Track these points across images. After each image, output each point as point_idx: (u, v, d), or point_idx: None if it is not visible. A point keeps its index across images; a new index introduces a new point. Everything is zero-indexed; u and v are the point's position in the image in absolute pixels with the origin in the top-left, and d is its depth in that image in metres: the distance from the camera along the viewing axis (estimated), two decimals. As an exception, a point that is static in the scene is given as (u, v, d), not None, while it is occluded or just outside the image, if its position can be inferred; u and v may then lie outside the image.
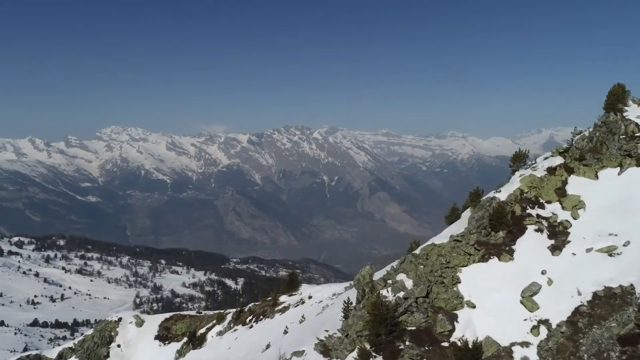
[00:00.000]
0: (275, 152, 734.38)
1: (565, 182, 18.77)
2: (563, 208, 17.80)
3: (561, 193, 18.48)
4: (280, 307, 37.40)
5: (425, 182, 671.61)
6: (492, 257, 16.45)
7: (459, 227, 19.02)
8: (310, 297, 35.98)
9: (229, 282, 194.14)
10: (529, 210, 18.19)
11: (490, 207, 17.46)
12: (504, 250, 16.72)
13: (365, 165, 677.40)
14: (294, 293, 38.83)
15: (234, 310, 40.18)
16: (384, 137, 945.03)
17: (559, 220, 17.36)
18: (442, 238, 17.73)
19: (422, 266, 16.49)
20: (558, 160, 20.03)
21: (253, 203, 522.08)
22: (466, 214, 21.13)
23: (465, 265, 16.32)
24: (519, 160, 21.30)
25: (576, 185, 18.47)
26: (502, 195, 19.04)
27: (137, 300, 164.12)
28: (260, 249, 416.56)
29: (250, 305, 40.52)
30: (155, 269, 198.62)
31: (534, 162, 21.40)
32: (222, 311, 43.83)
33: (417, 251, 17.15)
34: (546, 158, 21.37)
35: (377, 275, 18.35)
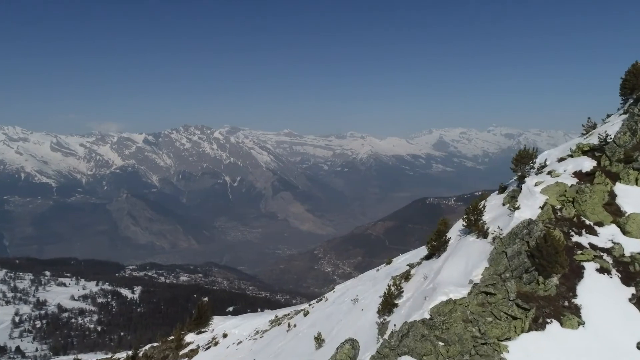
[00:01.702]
0: (174, 153, 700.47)
1: (612, 194, 13.18)
2: (626, 233, 11.84)
3: (614, 210, 12.38)
4: (186, 349, 28.91)
5: (327, 181, 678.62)
6: (549, 320, 10.08)
7: (461, 263, 12.74)
8: (225, 336, 27.95)
9: (125, 291, 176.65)
10: (576, 238, 12.21)
11: (531, 237, 11.34)
12: (565, 308, 10.22)
13: (268, 165, 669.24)
14: (203, 330, 30.41)
15: (124, 357, 31.06)
16: (286, 137, 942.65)
17: (627, 254, 11.59)
18: (453, 287, 11.19)
19: (441, 342, 9.74)
20: (588, 163, 14.46)
21: (150, 206, 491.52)
22: (459, 239, 14.94)
23: (510, 338, 9.81)
24: (526, 161, 15.54)
25: (630, 197, 12.82)
26: (524, 212, 13.04)
27: (17, 319, 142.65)
28: (160, 255, 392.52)
29: (147, 347, 31.60)
30: (38, 281, 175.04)
31: (544, 163, 15.81)
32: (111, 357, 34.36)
33: (426, 314, 10.34)
34: (563, 159, 15.74)
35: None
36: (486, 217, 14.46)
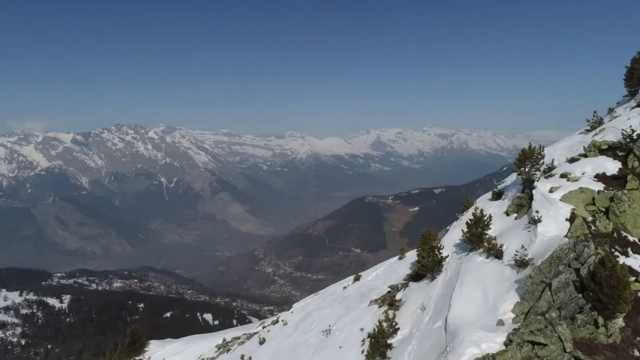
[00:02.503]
0: (105, 153, 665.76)
1: (653, 202, 10.92)
2: (684, 254, 9.75)
3: (662, 224, 10.50)
4: (116, 384, 24.56)
5: (266, 181, 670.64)
6: (622, 381, 7.50)
7: (476, 293, 9.88)
8: (164, 366, 23.97)
9: (52, 301, 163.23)
10: (622, 259, 9.84)
11: (582, 263, 8.63)
12: (637, 361, 7.92)
13: (206, 166, 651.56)
14: (138, 358, 26.09)
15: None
16: (224, 136, 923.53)
17: (691, 279, 9.27)
18: (480, 332, 8.28)
19: None
20: (611, 164, 12.08)
21: (80, 209, 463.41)
22: (459, 258, 12.20)
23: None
24: (532, 161, 13.03)
25: (674, 207, 10.73)
26: (549, 226, 10.40)
27: None
28: (91, 260, 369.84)
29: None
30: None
31: (551, 164, 13.36)
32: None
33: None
34: (575, 159, 13.43)
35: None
36: (490, 230, 11.81)
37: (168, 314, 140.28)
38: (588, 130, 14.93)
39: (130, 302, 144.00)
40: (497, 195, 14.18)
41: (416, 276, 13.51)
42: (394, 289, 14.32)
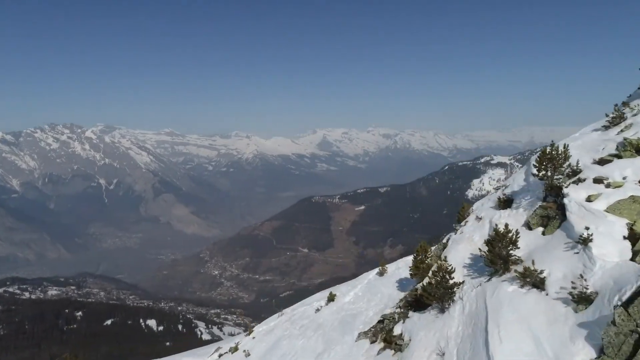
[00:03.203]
0: (38, 154, 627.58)
1: None
2: None
3: None
4: None
5: (212, 182, 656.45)
6: None
7: (522, 338, 7.43)
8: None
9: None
10: None
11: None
12: None
13: (148, 167, 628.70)
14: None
15: None
16: (167, 136, 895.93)
17: None
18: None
19: None
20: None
21: (11, 213, 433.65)
22: (478, 283, 9.72)
23: None
24: (557, 164, 10.75)
25: None
26: (606, 248, 8.14)
27: None
28: (23, 267, 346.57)
29: None
30: None
31: (577, 167, 11.13)
32: None
33: None
34: (605, 161, 11.08)
35: None
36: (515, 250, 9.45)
37: (109, 322, 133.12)
38: (607, 127, 12.96)
39: (67, 310, 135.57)
40: (506, 203, 11.92)
41: (416, 303, 10.97)
42: (389, 319, 11.68)
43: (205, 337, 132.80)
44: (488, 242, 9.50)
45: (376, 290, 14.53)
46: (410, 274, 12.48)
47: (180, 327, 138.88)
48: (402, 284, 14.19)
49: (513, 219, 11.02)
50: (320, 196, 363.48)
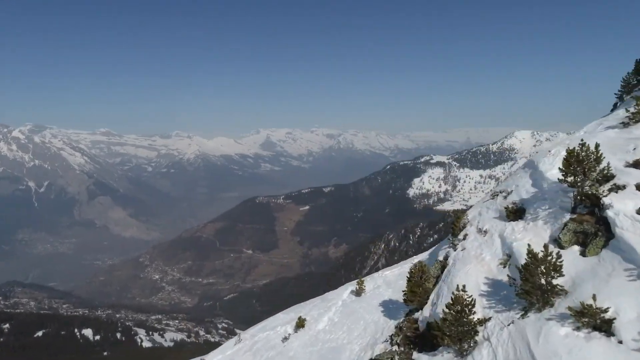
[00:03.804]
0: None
1: None
2: None
3: None
4: None
5: (151, 183, 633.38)
6: None
7: None
8: None
9: None
10: None
11: None
12: None
13: (82, 168, 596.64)
14: None
15: None
16: (103, 136, 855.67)
17: None
18: None
19: None
20: None
21: None
22: (510, 319, 7.65)
23: None
24: (588, 167, 8.78)
25: None
26: None
27: None
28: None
29: None
30: None
31: (608, 171, 9.24)
32: None
33: None
34: (641, 163, 9.42)
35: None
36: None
37: (40, 333, 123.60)
38: (626, 124, 11.33)
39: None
40: (517, 214, 9.97)
41: (421, 341, 8.76)
42: (387, 361, 9.38)
43: (146, 344, 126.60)
44: (523, 270, 7.41)
45: (357, 316, 12.26)
46: (404, 299, 10.33)
47: (118, 335, 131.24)
48: (388, 308, 11.99)
49: (532, 233, 9.07)
50: (264, 196, 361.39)
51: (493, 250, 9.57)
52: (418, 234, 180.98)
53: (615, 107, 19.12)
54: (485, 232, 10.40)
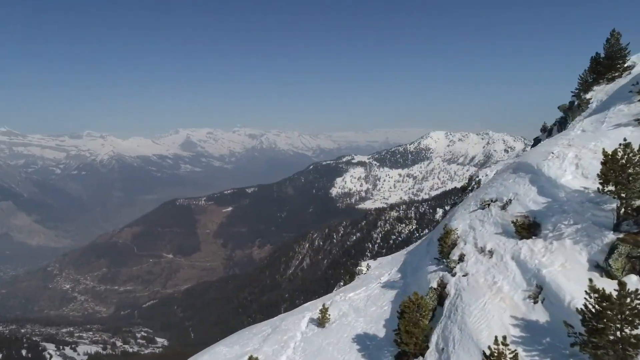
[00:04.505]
0: None
1: None
2: None
3: None
4: None
5: (60, 187, 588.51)
6: None
7: None
8: None
9: None
10: None
11: None
12: None
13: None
14: None
15: None
16: (4, 136, 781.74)
17: None
18: None
19: None
20: None
21: None
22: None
23: None
24: (634, 172, 7.00)
25: None
26: None
27: None
28: None
29: None
30: None
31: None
32: None
33: None
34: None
35: None
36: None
37: None
38: (641, 120, 9.82)
39: None
40: (529, 230, 8.02)
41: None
42: None
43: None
44: (593, 316, 5.35)
45: (326, 357, 9.81)
46: (396, 341, 8.06)
47: (24, 352, 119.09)
48: (365, 346, 9.55)
49: (562, 257, 7.15)
50: (185, 198, 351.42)
51: (511, 278, 7.56)
52: (341, 232, 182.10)
53: (573, 105, 18.21)
54: (491, 252, 8.39)
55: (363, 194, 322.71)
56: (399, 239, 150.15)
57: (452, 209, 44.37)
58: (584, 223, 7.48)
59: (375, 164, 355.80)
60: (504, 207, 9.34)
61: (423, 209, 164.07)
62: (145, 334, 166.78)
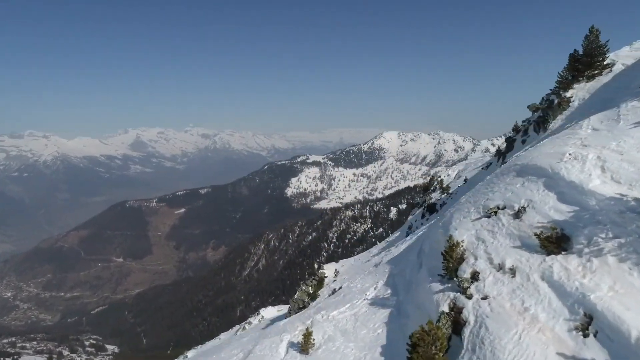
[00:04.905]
0: None
1: None
2: None
3: None
4: None
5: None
6: None
7: None
8: None
9: None
10: None
11: None
12: None
13: None
14: None
15: None
16: None
17: None
18: None
19: None
20: None
21: None
22: None
23: None
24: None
25: None
26: None
27: None
28: None
29: None
30: None
31: None
32: None
33: None
34: None
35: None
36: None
37: None
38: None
39: None
40: (557, 243, 6.84)
41: None
42: None
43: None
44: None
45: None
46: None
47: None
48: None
49: (608, 278, 5.99)
50: (135, 200, 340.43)
51: (545, 304, 6.33)
52: (297, 232, 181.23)
53: (552, 104, 17.53)
54: (512, 270, 7.16)
55: (318, 194, 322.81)
56: (355, 238, 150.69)
57: (414, 210, 43.46)
58: (628, 237, 6.35)
59: (330, 164, 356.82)
60: (517, 216, 8.16)
61: (377, 208, 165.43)
62: (95, 342, 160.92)
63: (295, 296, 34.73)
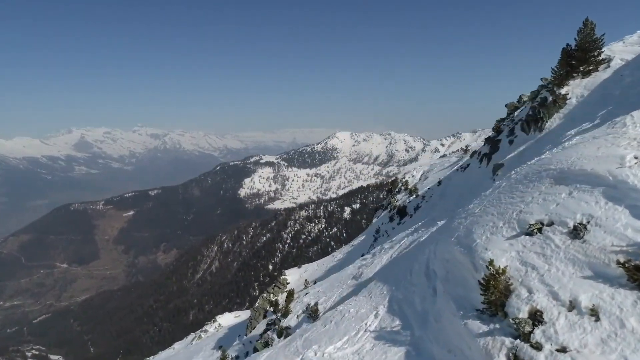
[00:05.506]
0: None
1: None
2: None
3: None
4: None
5: None
6: None
7: None
8: None
9: None
10: None
11: None
12: None
13: None
14: None
15: None
16: None
17: None
18: None
19: None
20: None
21: None
22: None
23: None
24: None
25: None
26: None
27: None
28: None
29: None
30: None
31: None
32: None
33: None
34: None
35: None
36: None
37: None
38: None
39: None
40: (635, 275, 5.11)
41: None
42: None
43: None
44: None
45: None
46: None
47: None
48: None
49: None
50: (81, 203, 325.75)
51: (618, 347, 4.65)
52: (251, 234, 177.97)
53: (546, 101, 16.27)
54: (593, 312, 5.35)
55: (272, 194, 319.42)
56: (309, 238, 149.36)
57: (379, 212, 41.81)
58: None
59: (284, 164, 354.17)
60: (577, 236, 6.42)
61: (331, 207, 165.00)
62: (37, 352, 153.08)
63: (257, 304, 32.16)
